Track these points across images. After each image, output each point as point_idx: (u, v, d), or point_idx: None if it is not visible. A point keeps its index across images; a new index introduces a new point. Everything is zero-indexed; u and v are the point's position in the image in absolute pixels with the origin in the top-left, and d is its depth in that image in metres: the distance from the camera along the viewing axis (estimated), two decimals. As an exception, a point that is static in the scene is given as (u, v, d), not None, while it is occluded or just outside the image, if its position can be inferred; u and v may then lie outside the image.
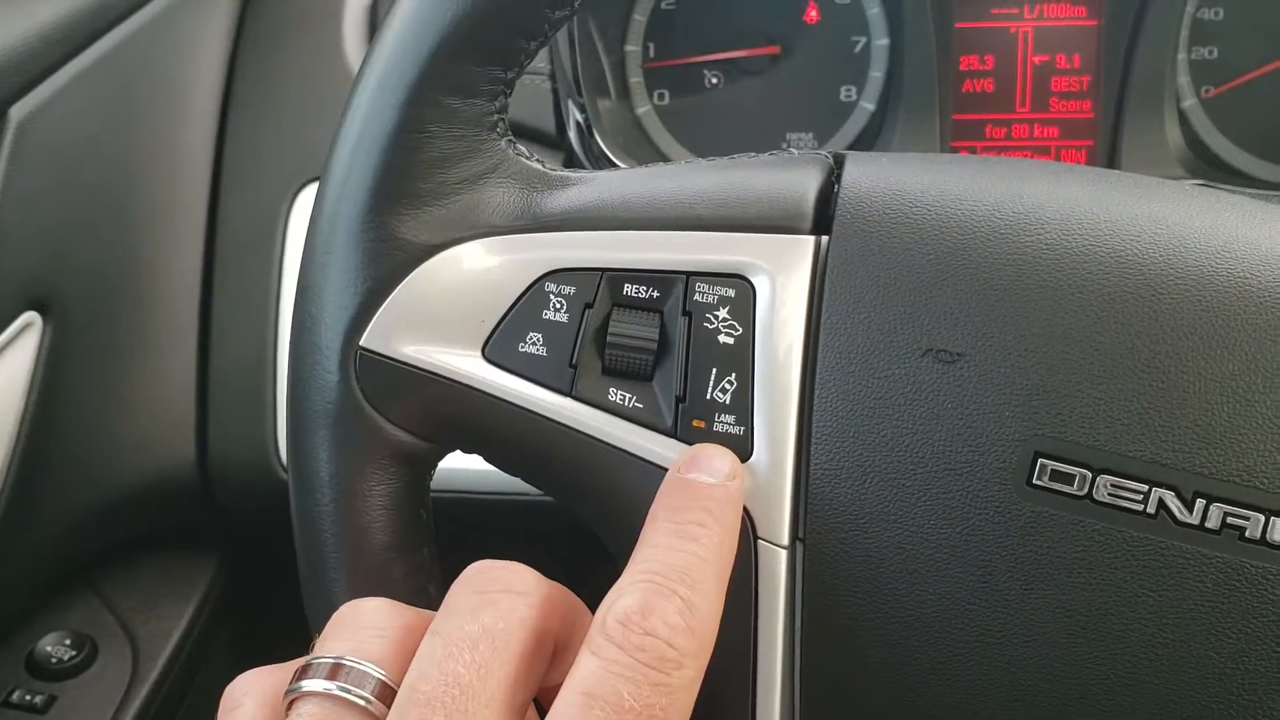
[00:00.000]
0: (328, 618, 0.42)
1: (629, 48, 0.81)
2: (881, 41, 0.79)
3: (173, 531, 0.83)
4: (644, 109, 0.81)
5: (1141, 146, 0.76)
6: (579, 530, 0.48)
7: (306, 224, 0.44)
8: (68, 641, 0.77)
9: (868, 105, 0.80)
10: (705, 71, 0.80)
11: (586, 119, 0.77)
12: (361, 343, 0.43)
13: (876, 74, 0.79)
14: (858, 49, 0.79)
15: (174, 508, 0.79)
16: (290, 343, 0.44)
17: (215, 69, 0.81)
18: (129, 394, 0.76)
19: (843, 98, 0.80)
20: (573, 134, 0.77)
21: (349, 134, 0.42)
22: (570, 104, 0.77)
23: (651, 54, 0.81)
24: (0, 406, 0.68)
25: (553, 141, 0.79)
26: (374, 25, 0.83)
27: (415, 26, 0.41)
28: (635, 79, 0.81)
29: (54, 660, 0.76)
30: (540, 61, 0.79)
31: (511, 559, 0.38)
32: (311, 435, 0.43)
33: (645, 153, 0.80)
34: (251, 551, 0.87)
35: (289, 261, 0.77)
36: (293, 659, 0.37)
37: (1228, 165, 0.78)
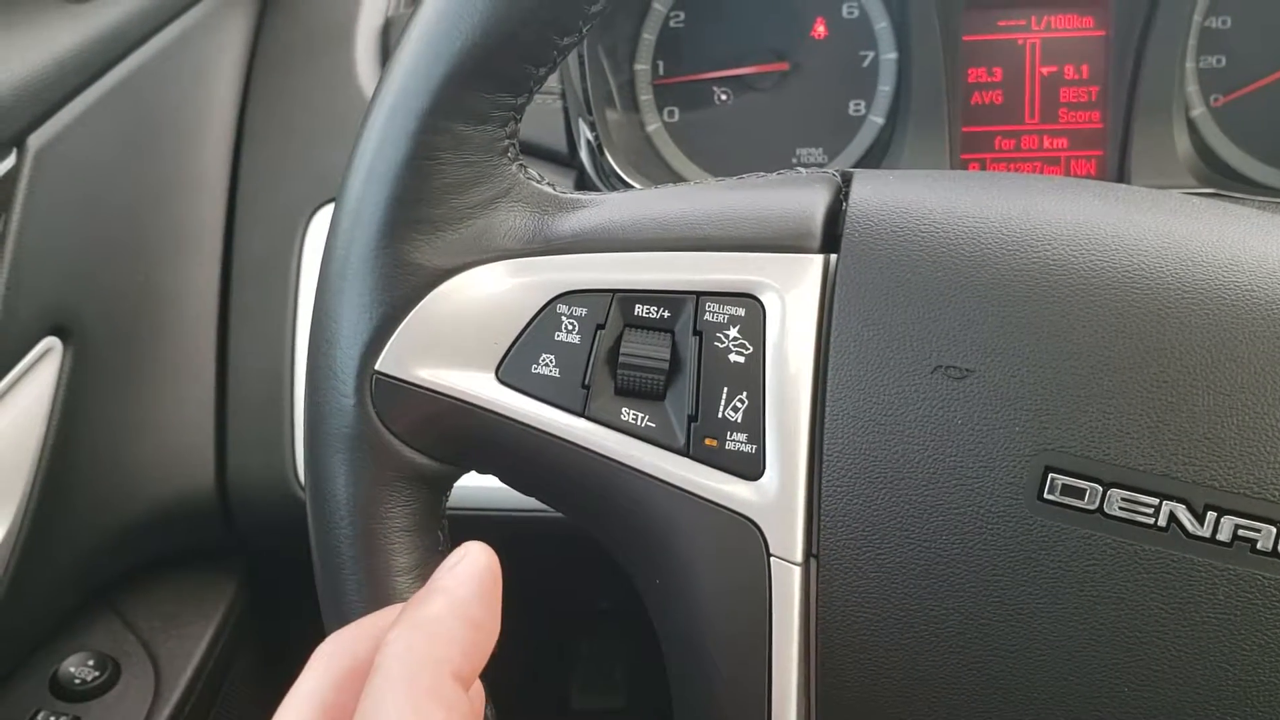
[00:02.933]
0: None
1: (639, 66, 0.81)
2: (889, 56, 0.79)
3: (193, 552, 0.84)
4: (654, 126, 0.81)
5: (1151, 156, 0.76)
6: (595, 547, 0.48)
7: (321, 248, 0.45)
8: (90, 663, 0.78)
9: (877, 119, 0.80)
10: (714, 88, 0.81)
11: (597, 138, 0.77)
12: (377, 367, 0.43)
13: (885, 88, 0.79)
14: (866, 63, 0.80)
15: (194, 528, 0.80)
16: (306, 368, 0.45)
17: (229, 94, 0.82)
18: (148, 417, 0.77)
19: (852, 112, 0.80)
20: (584, 153, 0.78)
21: (362, 162, 0.43)
22: (581, 123, 0.78)
23: (661, 72, 0.81)
24: (22, 431, 0.69)
25: (565, 160, 0.80)
26: (386, 49, 0.84)
27: (425, 56, 0.42)
28: (645, 97, 0.81)
29: (77, 681, 0.77)
30: (551, 81, 0.80)
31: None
32: (328, 459, 0.44)
33: (656, 170, 0.81)
34: (271, 570, 0.87)
35: (305, 283, 0.78)
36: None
37: (1238, 173, 0.78)
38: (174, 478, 0.78)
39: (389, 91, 0.43)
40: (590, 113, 0.77)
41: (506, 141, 0.44)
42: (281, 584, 0.87)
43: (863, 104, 0.80)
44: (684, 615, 0.43)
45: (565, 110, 0.79)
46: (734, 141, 0.81)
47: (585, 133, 0.77)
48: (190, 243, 0.79)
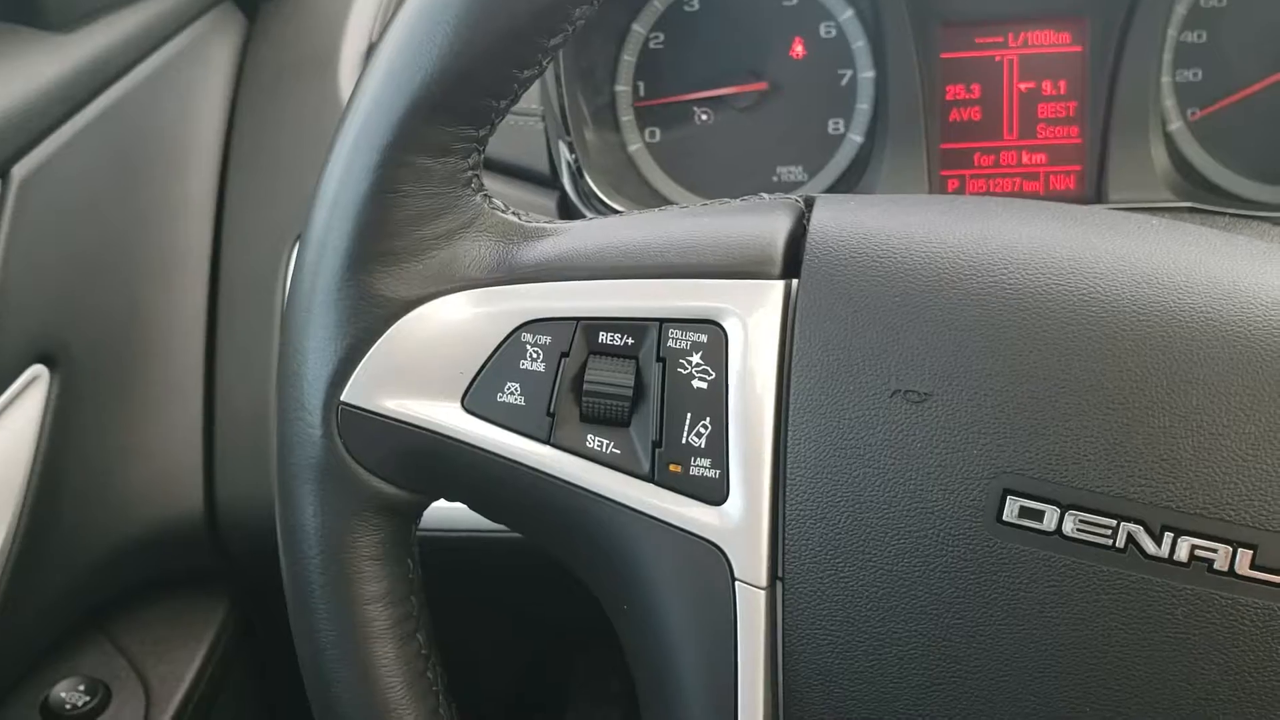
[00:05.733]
0: (318, 669, 0.43)
1: (619, 87, 0.82)
2: (867, 74, 0.80)
3: (183, 575, 0.84)
4: (636, 147, 0.82)
5: (1129, 170, 0.77)
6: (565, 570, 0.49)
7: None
8: (81, 687, 0.78)
9: (856, 137, 0.80)
10: (695, 109, 0.81)
11: (576, 160, 0.78)
12: (343, 398, 0.44)
13: (863, 106, 0.80)
14: (844, 82, 0.80)
15: (183, 552, 0.80)
16: (275, 399, 0.45)
17: (214, 121, 0.83)
18: (136, 442, 0.77)
19: (831, 131, 0.81)
20: (564, 174, 0.78)
21: (326, 196, 0.44)
22: (561, 144, 0.78)
23: (641, 93, 0.82)
24: (10, 458, 0.69)
25: (547, 181, 0.80)
26: (370, 73, 0.84)
27: (386, 90, 0.43)
28: (626, 117, 0.82)
29: (68, 706, 0.77)
30: (533, 103, 0.80)
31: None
32: (297, 489, 0.44)
33: (637, 191, 0.81)
34: (262, 593, 0.88)
35: (290, 307, 0.78)
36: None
37: (1216, 187, 0.78)
38: (163, 501, 0.78)
39: (351, 126, 0.43)
40: (569, 134, 0.78)
41: (470, 173, 0.44)
42: (272, 606, 0.87)
43: (842, 122, 0.81)
44: (651, 639, 0.44)
45: (547, 132, 0.80)
46: (715, 161, 0.82)
47: (565, 154, 0.78)
48: (176, 269, 0.79)
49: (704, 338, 0.43)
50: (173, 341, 0.78)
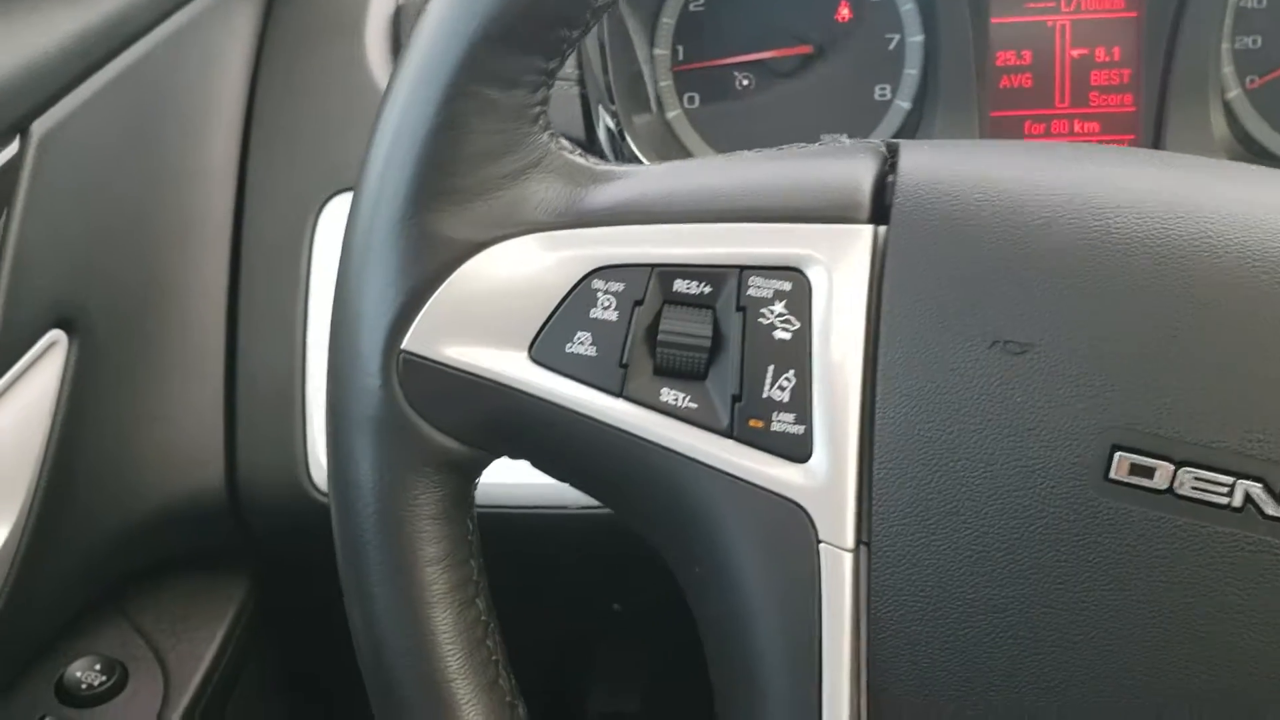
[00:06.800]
0: (370, 635, 0.41)
1: (658, 51, 0.79)
2: (916, 38, 0.77)
3: (202, 552, 0.82)
4: (674, 113, 0.80)
5: (1186, 140, 0.75)
6: (624, 546, 0.46)
7: (337, 236, 0.43)
8: (98, 667, 0.76)
9: (903, 104, 0.78)
10: (736, 73, 0.79)
11: (619, 124, 0.75)
12: (404, 346, 0.41)
13: (911, 71, 0.78)
14: (892, 46, 0.78)
15: (203, 527, 0.78)
16: (329, 347, 0.43)
17: (238, 83, 0.80)
18: (156, 412, 0.75)
19: (877, 97, 0.79)
20: (604, 140, 0.76)
21: (386, 129, 0.41)
22: (601, 110, 0.76)
23: (681, 57, 0.79)
24: (27, 426, 0.67)
25: (583, 147, 0.78)
26: (397, 37, 0.82)
27: (455, 16, 0.40)
28: (665, 82, 0.80)
29: (84, 686, 0.75)
30: (568, 67, 0.78)
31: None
32: (353, 443, 0.42)
33: (676, 158, 0.79)
34: (283, 571, 0.85)
35: (315, 275, 0.76)
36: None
37: (1276, 156, 0.76)
38: (182, 475, 0.76)
39: (415, 54, 0.41)
40: (612, 100, 0.75)
41: (538, 109, 0.42)
42: (295, 585, 0.85)
43: (888, 88, 0.79)
44: (726, 604, 0.41)
45: (583, 96, 0.78)
46: (756, 128, 0.80)
47: (606, 120, 0.76)
48: (198, 233, 0.77)
49: (787, 286, 0.41)
50: (193, 309, 0.76)
